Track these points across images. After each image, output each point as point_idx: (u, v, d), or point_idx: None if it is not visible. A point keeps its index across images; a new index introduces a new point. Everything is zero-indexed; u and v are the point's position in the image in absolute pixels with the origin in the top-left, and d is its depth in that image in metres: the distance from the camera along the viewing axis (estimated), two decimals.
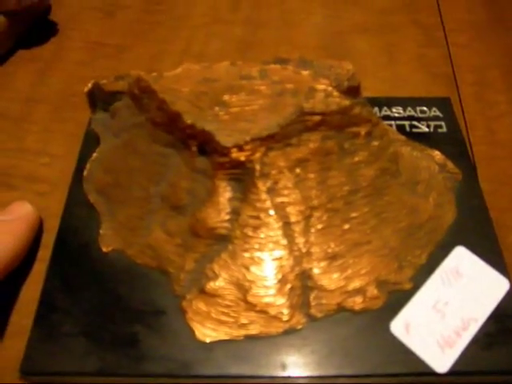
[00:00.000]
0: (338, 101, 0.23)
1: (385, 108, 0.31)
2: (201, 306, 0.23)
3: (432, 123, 0.31)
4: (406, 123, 0.31)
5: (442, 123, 0.31)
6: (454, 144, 0.30)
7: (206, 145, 0.23)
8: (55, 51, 0.39)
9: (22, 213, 0.26)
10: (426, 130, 0.30)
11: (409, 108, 0.32)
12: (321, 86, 0.24)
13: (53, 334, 0.23)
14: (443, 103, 0.32)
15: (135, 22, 0.41)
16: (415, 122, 0.31)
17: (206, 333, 0.23)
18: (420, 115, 0.31)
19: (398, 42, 0.39)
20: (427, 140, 0.30)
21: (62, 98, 0.35)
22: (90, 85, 0.29)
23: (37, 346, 0.22)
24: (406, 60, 0.38)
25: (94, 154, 0.28)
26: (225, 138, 0.22)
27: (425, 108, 0.32)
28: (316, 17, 0.42)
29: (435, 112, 0.31)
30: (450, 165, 0.28)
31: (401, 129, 0.30)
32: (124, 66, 0.37)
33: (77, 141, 0.30)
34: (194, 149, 0.24)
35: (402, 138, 0.28)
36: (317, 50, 0.39)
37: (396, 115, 0.31)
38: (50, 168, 0.31)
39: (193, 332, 0.23)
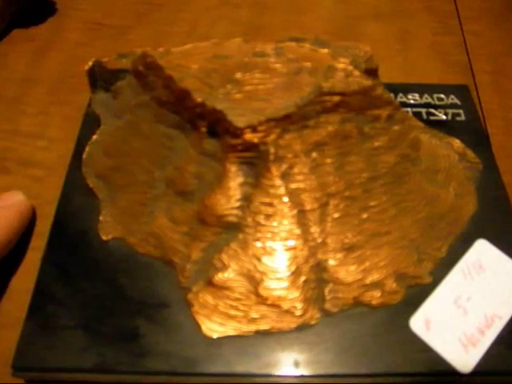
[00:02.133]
0: (358, 80, 0.22)
1: (400, 94, 0.31)
2: (208, 298, 0.22)
3: (450, 111, 0.30)
4: (423, 110, 0.30)
5: (461, 111, 0.30)
6: (473, 133, 0.29)
7: (216, 125, 0.22)
8: (53, 31, 0.38)
9: (11, 201, 0.25)
10: (444, 117, 0.30)
11: (425, 95, 0.31)
12: (341, 65, 0.22)
13: (48, 327, 0.22)
14: (461, 91, 0.31)
15: (137, 3, 0.40)
16: (432, 110, 0.30)
17: (213, 328, 0.22)
18: (437, 102, 0.30)
19: (411, 29, 0.38)
20: (445, 128, 0.29)
21: (59, 80, 0.34)
22: (90, 63, 0.28)
23: (31, 340, 0.21)
24: (420, 47, 0.37)
25: (94, 136, 0.27)
26: (237, 118, 0.21)
27: (442, 95, 0.31)
28: (326, 0, 0.40)
29: (453, 100, 0.30)
30: (470, 154, 0.27)
31: (417, 116, 0.29)
32: (125, 48, 0.35)
33: (75, 124, 0.29)
34: (203, 130, 0.23)
35: (421, 124, 0.27)
36: (327, 36, 0.37)
37: (412, 102, 0.30)
38: (46, 152, 0.30)
39: (199, 327, 0.22)
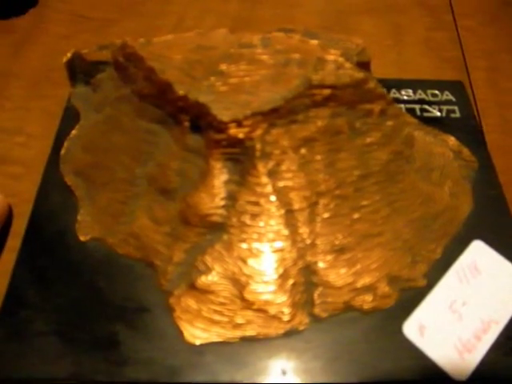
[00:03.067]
0: (350, 73, 0.21)
1: (393, 90, 0.30)
2: (190, 303, 0.21)
3: (444, 107, 0.29)
4: (417, 107, 0.29)
5: (455, 108, 0.29)
6: (468, 130, 0.28)
7: (199, 119, 0.21)
8: (34, 23, 0.37)
9: None
10: (438, 114, 0.29)
11: (419, 91, 0.30)
12: (331, 57, 0.21)
13: (21, 333, 0.21)
14: (456, 87, 0.30)
15: None
16: (426, 106, 0.29)
17: (196, 334, 0.21)
18: (431, 99, 0.30)
19: (404, 24, 0.38)
20: (439, 125, 0.28)
21: (40, 74, 0.33)
22: (69, 54, 0.27)
23: (2, 347, 0.21)
24: (413, 43, 0.37)
25: (73, 131, 0.26)
26: (222, 112, 0.20)
27: (436, 91, 0.30)
28: None
29: (447, 96, 0.30)
30: (466, 152, 0.27)
31: (411, 112, 0.29)
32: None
33: (55, 120, 0.28)
34: (186, 124, 0.22)
35: (415, 120, 0.27)
36: (318, 30, 0.37)
37: (405, 98, 0.30)
38: (24, 148, 0.29)
39: (181, 333, 0.21)
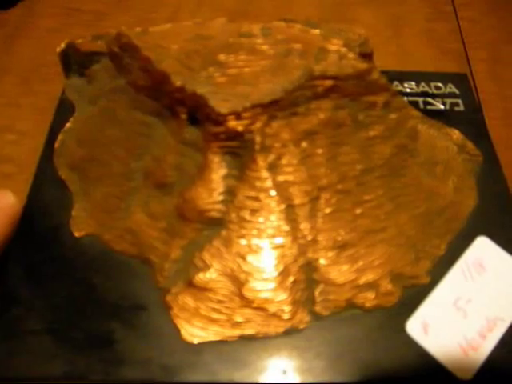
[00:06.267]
0: (353, 63, 0.21)
1: (396, 83, 0.29)
2: (188, 300, 0.21)
3: (448, 100, 0.28)
4: (420, 100, 0.29)
5: (459, 101, 0.29)
6: (472, 124, 0.27)
7: (197, 112, 0.21)
8: (24, 16, 0.36)
9: (1, 204, 0.23)
10: (442, 107, 0.28)
11: (422, 83, 0.29)
12: (334, 47, 0.21)
13: (12, 332, 0.20)
14: (460, 79, 0.30)
15: None
16: (429, 99, 0.29)
17: (194, 332, 0.20)
18: (435, 91, 0.29)
19: (404, 15, 0.37)
20: (443, 118, 0.27)
21: (31, 69, 0.32)
22: (63, 45, 0.26)
23: None
24: (413, 34, 0.36)
25: (68, 124, 0.26)
26: (220, 104, 0.20)
27: (440, 84, 0.29)
28: None
29: (451, 88, 0.29)
30: (470, 146, 0.26)
31: (414, 105, 0.28)
32: None
33: (48, 116, 0.28)
34: (183, 117, 0.21)
35: (418, 113, 0.26)
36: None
37: (408, 91, 0.29)
38: (17, 146, 0.29)
39: (178, 331, 0.20)
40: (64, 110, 0.27)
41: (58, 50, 0.26)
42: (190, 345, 0.20)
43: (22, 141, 0.29)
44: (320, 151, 0.21)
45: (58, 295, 0.21)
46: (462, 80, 0.30)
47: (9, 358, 0.20)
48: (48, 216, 0.23)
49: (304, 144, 0.21)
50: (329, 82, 0.21)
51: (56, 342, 0.20)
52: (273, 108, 0.20)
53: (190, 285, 0.21)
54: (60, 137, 0.25)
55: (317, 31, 0.22)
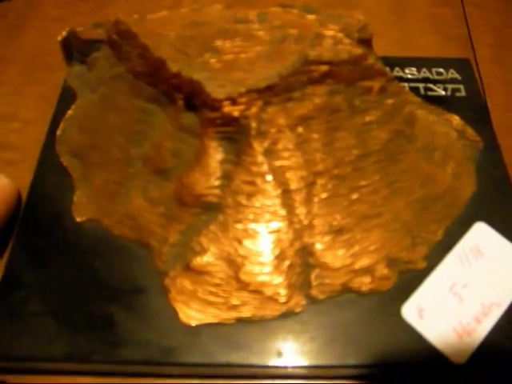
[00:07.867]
0: (348, 49, 0.21)
1: (397, 69, 0.29)
2: (186, 284, 0.21)
3: (449, 86, 0.28)
4: (421, 85, 0.28)
5: (461, 86, 0.28)
6: (473, 109, 0.27)
7: (193, 98, 0.21)
8: (27, 6, 0.36)
9: None
10: (443, 93, 0.28)
11: (423, 69, 0.29)
12: (329, 32, 0.21)
13: (17, 314, 0.21)
14: (462, 65, 0.30)
15: None
16: (431, 85, 0.28)
17: (192, 315, 0.21)
18: (436, 77, 0.29)
19: (407, 0, 0.36)
20: (444, 104, 0.27)
21: (34, 58, 0.32)
22: (64, 33, 0.26)
23: None
24: (416, 20, 0.35)
25: (69, 112, 0.26)
26: (216, 89, 0.20)
27: (441, 70, 0.29)
28: None
29: (453, 74, 0.29)
30: (470, 131, 0.26)
31: (415, 91, 0.28)
32: None
33: (50, 104, 0.28)
34: (181, 103, 0.21)
35: (417, 99, 0.26)
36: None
37: (409, 76, 0.29)
38: (20, 134, 0.29)
39: (176, 314, 0.21)
40: (67, 98, 0.27)
41: (60, 38, 0.26)
42: (188, 327, 0.20)
43: (26, 129, 0.29)
44: (316, 136, 0.21)
45: (60, 279, 0.22)
46: (464, 65, 0.29)
47: (12, 339, 0.20)
48: (50, 202, 0.24)
49: (300, 129, 0.21)
50: (324, 67, 0.21)
51: (58, 323, 0.20)
52: (268, 93, 0.20)
53: (188, 268, 0.21)
54: (62, 124, 0.26)
55: (313, 16, 0.22)
